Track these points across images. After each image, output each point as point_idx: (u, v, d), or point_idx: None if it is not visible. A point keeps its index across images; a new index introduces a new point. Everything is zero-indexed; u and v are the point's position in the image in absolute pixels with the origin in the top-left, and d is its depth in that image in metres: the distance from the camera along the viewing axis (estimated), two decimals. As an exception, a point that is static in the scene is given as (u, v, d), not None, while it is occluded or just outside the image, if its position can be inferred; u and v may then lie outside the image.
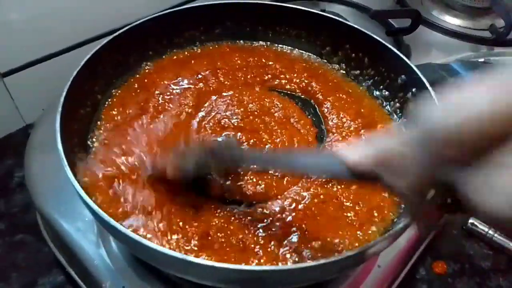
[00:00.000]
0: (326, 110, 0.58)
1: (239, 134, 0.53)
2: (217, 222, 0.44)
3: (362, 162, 0.31)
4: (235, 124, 0.54)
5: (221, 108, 0.56)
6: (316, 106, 0.59)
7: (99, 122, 0.54)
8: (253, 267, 0.38)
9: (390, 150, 0.30)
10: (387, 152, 0.30)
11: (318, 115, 0.58)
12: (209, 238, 0.42)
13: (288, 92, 0.61)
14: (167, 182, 0.44)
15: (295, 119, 0.56)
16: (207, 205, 0.45)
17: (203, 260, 0.35)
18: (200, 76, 0.61)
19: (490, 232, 0.64)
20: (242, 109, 0.56)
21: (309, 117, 0.57)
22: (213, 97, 0.58)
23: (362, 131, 0.55)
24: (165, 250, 0.35)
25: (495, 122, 0.25)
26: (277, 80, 0.62)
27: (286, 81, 0.62)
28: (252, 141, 0.52)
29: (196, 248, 0.41)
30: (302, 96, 0.61)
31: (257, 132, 0.54)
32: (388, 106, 0.59)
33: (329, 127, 0.56)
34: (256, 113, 0.56)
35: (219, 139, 0.51)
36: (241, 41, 0.68)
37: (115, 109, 0.55)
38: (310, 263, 0.35)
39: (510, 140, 0.25)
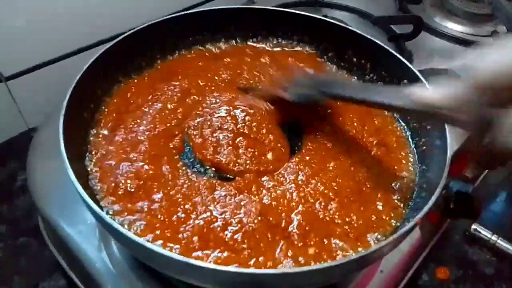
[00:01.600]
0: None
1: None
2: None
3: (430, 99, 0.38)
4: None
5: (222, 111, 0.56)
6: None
7: (101, 125, 0.54)
8: (255, 270, 0.38)
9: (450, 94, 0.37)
10: (447, 95, 0.37)
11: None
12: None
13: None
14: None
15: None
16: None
17: (205, 263, 0.35)
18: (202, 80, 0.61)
19: (493, 238, 0.64)
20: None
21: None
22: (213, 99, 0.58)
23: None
24: (167, 252, 0.35)
25: None
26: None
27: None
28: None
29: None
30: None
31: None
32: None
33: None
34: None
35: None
36: (243, 45, 0.68)
37: (119, 112, 0.55)
38: (313, 266, 0.35)
39: None
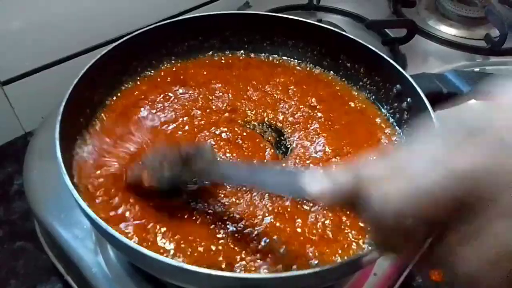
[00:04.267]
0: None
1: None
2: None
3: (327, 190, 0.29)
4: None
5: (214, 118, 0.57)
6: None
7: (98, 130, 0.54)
8: (249, 275, 0.38)
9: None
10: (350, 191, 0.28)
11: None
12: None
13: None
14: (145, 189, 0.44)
15: None
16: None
17: (199, 268, 0.35)
18: (193, 87, 0.61)
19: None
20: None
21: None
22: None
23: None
24: (162, 258, 0.35)
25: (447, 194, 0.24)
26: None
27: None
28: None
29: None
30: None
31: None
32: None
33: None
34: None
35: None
36: (238, 52, 0.68)
37: (114, 118, 0.56)
38: (306, 270, 0.36)
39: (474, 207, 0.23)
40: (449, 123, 0.26)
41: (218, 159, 0.49)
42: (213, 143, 0.53)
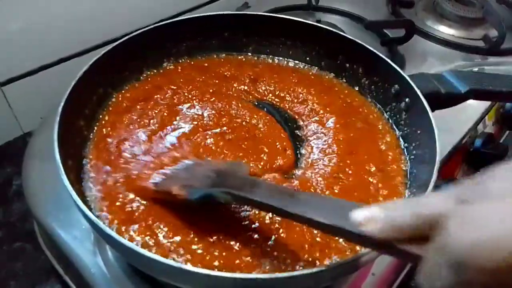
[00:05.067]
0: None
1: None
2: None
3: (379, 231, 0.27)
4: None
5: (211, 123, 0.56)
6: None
7: (97, 131, 0.54)
8: (247, 275, 0.38)
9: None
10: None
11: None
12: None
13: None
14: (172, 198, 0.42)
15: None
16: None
17: (198, 269, 0.35)
18: (193, 87, 0.61)
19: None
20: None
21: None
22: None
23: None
24: (161, 258, 0.35)
25: None
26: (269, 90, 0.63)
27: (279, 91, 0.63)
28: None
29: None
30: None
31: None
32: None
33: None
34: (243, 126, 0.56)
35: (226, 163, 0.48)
36: (235, 53, 0.68)
37: (113, 119, 0.56)
38: (305, 270, 0.36)
39: None
40: None
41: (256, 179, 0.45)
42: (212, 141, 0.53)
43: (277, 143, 0.54)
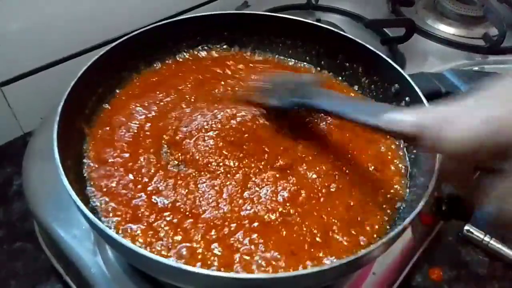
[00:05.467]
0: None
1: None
2: None
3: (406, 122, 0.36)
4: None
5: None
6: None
7: (97, 130, 0.54)
8: (247, 275, 0.38)
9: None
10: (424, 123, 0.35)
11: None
12: None
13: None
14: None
15: None
16: None
17: (198, 269, 0.35)
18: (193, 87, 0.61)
19: (486, 238, 0.65)
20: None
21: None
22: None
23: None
24: (161, 259, 0.35)
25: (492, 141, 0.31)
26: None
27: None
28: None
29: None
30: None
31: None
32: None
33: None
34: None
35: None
36: (235, 52, 0.68)
37: (113, 117, 0.56)
38: (305, 270, 0.36)
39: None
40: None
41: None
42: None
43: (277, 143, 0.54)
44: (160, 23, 0.62)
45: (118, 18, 0.80)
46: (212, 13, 0.65)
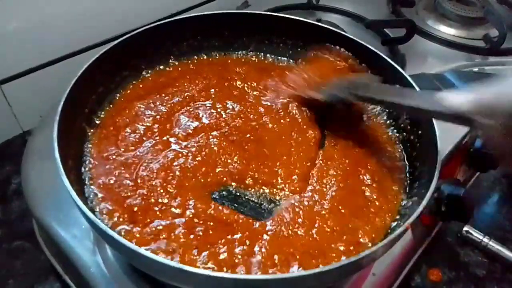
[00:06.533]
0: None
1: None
2: None
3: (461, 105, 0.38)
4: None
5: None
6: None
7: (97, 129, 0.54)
8: (247, 275, 0.38)
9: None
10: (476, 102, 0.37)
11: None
12: None
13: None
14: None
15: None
16: None
17: (198, 269, 0.35)
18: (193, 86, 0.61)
19: (485, 239, 0.65)
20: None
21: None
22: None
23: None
24: (161, 259, 0.35)
25: None
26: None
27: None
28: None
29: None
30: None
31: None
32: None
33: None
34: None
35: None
36: (236, 52, 0.68)
37: (114, 117, 0.56)
38: (306, 271, 0.36)
39: None
40: None
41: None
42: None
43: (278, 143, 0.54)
44: (161, 22, 0.62)
45: (119, 17, 0.80)
46: (213, 12, 0.65)
